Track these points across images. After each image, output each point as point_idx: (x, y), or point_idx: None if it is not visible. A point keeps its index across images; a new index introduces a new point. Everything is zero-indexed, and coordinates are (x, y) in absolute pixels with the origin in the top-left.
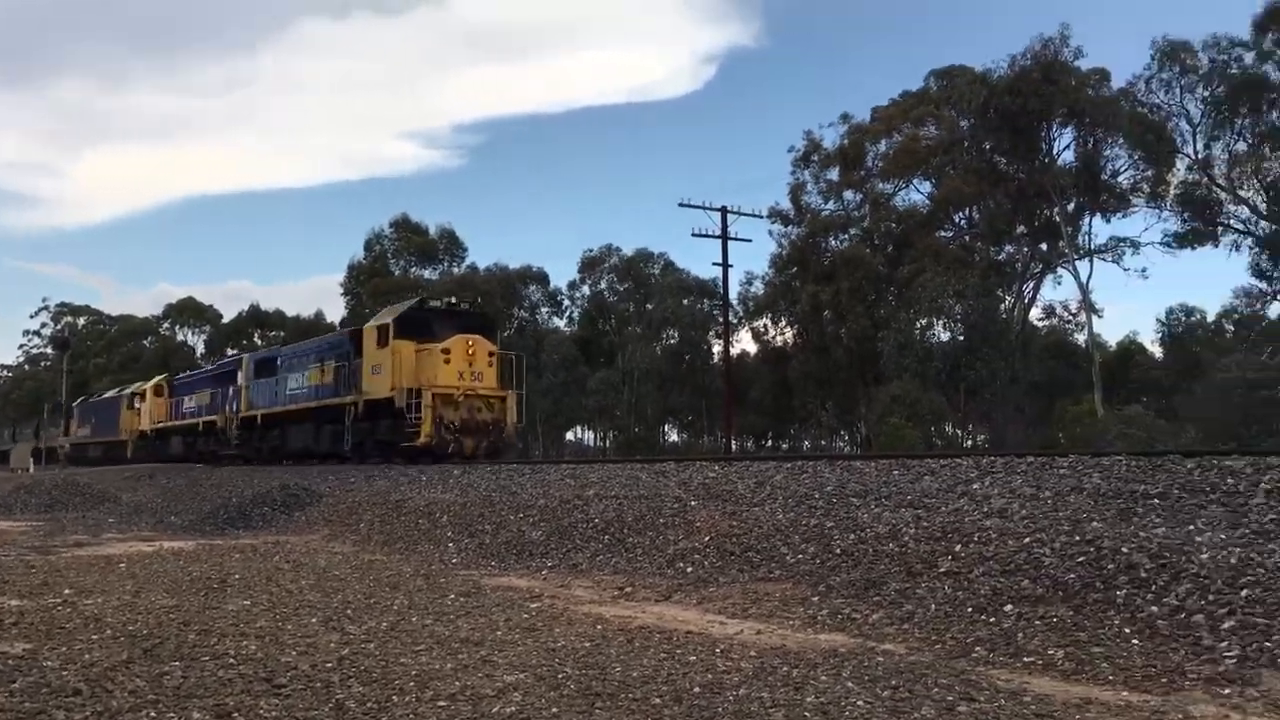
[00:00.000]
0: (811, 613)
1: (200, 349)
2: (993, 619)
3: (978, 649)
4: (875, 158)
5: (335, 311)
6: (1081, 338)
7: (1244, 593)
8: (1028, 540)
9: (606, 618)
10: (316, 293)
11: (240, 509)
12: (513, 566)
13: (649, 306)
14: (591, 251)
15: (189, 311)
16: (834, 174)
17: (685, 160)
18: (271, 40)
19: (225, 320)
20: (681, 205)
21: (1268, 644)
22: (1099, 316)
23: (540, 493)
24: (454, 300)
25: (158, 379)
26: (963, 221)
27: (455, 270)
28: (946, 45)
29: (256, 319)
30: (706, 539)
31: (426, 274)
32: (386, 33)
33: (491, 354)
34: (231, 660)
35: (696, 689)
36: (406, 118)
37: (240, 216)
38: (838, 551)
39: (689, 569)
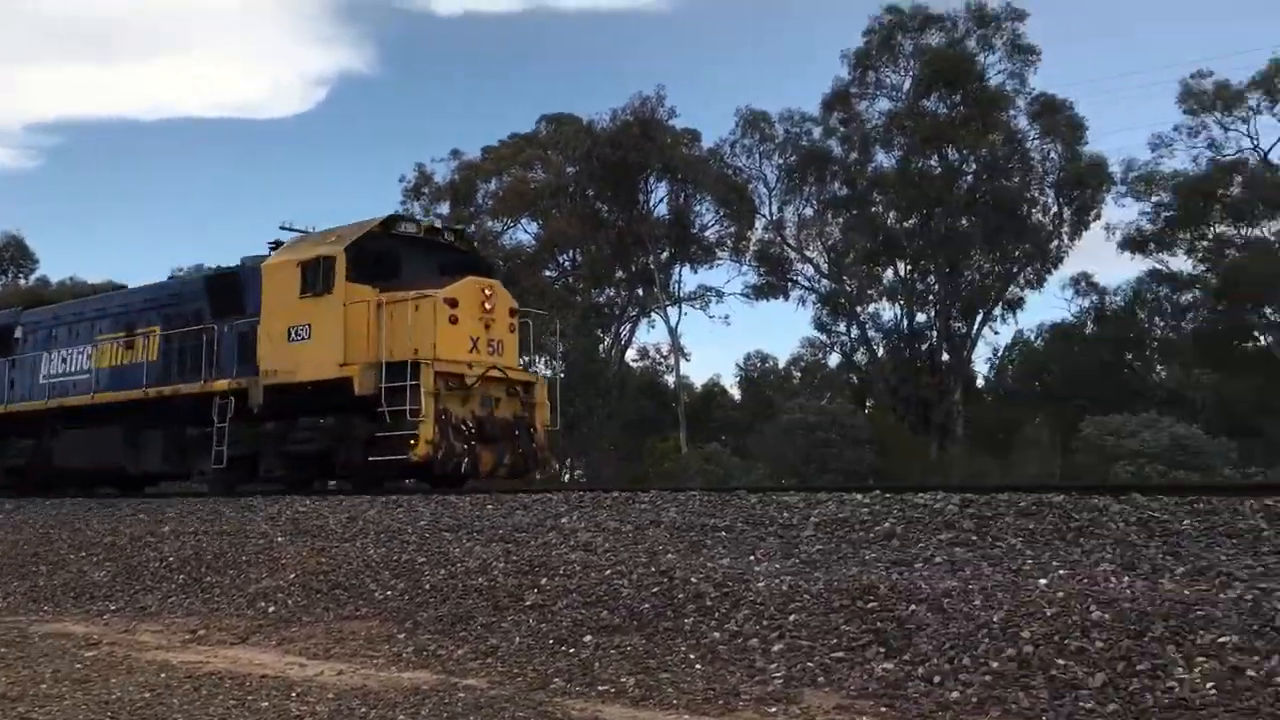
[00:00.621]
0: (397, 650)
1: None
2: (572, 650)
3: (557, 680)
4: (485, 195)
5: None
6: (671, 379)
7: (792, 617)
8: (609, 572)
9: (173, 664)
10: None
11: None
12: (70, 611)
13: None
14: (182, 270)
15: None
16: (444, 208)
17: (291, 182)
18: None
19: None
20: (283, 228)
21: (809, 664)
22: (687, 359)
23: (108, 529)
24: (437, 223)
25: None
26: (567, 263)
27: (23, 282)
28: (557, 93)
29: None
30: (292, 576)
31: None
32: None
33: (513, 312)
34: None
35: None
36: None
37: None
38: (427, 587)
39: (271, 609)
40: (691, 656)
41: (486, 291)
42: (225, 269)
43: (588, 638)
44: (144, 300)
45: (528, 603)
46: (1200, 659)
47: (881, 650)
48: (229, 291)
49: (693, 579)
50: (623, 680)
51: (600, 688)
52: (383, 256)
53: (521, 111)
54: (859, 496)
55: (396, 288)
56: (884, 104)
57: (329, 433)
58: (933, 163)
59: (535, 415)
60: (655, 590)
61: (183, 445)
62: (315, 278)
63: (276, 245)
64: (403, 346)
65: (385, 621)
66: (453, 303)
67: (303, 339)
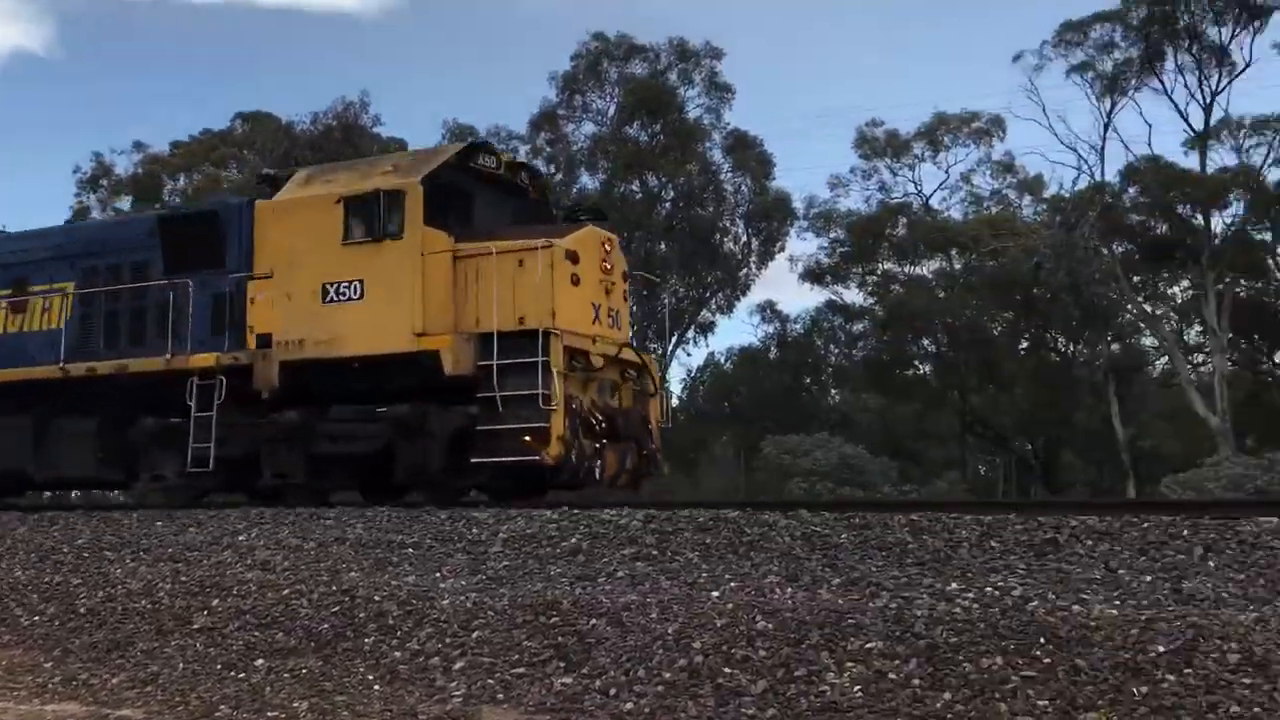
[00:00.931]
0: (42, 681)
1: None
2: (243, 675)
3: (223, 707)
4: (172, 192)
5: None
6: None
7: (475, 634)
8: (287, 592)
9: None
10: None
11: None
12: None
13: None
14: None
15: None
16: (126, 203)
17: None
18: None
19: None
20: None
21: (490, 681)
22: None
23: None
24: (518, 156)
25: None
26: None
27: None
28: (255, 91)
29: None
30: None
31: None
32: None
33: (626, 276)
34: None
35: None
36: None
37: None
38: (82, 611)
39: None
40: (370, 677)
41: (607, 247)
42: (189, 208)
43: (260, 661)
44: (45, 249)
45: (196, 626)
46: (850, 664)
47: (562, 665)
48: (201, 237)
49: (376, 597)
50: (295, 705)
51: (270, 714)
52: (458, 195)
53: (215, 107)
54: (548, 513)
55: (470, 237)
56: (590, 128)
57: (394, 426)
58: (634, 188)
59: (650, 407)
60: (335, 610)
61: (131, 442)
62: (372, 218)
63: (268, 179)
64: (504, 312)
65: (30, 650)
66: (574, 257)
67: (348, 299)
